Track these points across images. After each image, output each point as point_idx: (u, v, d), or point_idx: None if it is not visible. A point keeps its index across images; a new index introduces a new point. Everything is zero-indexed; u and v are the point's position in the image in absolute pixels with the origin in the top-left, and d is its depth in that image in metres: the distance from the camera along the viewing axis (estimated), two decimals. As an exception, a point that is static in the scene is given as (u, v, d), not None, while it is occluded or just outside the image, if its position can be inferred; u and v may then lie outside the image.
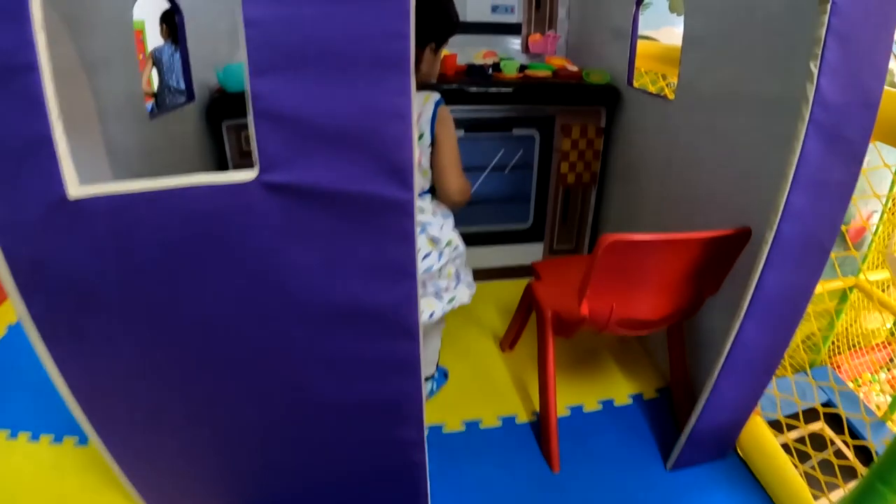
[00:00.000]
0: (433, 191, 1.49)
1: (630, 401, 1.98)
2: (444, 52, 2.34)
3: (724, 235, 1.36)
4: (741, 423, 1.68)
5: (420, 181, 1.41)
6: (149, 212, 0.93)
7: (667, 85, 2.57)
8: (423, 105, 1.38)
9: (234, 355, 1.11)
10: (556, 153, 2.42)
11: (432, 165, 1.44)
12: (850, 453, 1.69)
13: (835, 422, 1.76)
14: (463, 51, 2.67)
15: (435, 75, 1.47)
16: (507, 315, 2.09)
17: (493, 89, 2.25)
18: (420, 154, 1.37)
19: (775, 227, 1.21)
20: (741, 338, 1.38)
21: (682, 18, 2.21)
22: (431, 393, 1.92)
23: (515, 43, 2.81)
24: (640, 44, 2.25)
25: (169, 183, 0.91)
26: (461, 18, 2.53)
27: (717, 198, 1.66)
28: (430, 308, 1.48)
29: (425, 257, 1.42)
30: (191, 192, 0.93)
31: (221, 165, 2.17)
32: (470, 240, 2.28)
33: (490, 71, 2.42)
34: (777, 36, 1.39)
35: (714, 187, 1.68)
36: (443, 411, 1.89)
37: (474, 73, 2.41)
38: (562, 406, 1.91)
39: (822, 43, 1.08)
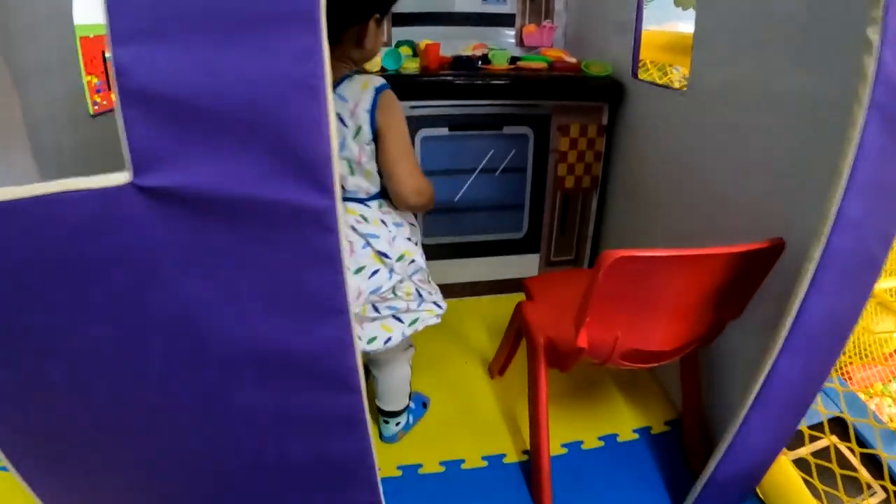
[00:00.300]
0: (382, 195, 1.29)
1: (636, 436, 1.74)
2: (427, 41, 2.14)
3: (754, 250, 1.10)
4: (767, 465, 1.46)
5: (361, 184, 1.23)
6: (7, 227, 0.68)
7: (676, 78, 2.32)
8: (360, 93, 1.16)
9: (136, 409, 0.86)
10: (552, 154, 2.18)
11: (379, 163, 1.23)
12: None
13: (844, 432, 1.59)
14: (451, 44, 2.43)
15: (377, 52, 1.25)
16: (498, 335, 1.85)
17: (481, 81, 2.02)
18: (360, 152, 1.18)
19: (824, 241, 0.96)
20: (776, 373, 1.15)
21: (688, 14, 2.17)
22: (407, 427, 1.70)
23: (509, 35, 2.57)
24: (646, 33, 2.04)
25: (29, 191, 0.66)
26: (448, 8, 2.38)
27: (742, 204, 1.42)
28: (386, 333, 1.31)
29: (372, 275, 1.24)
30: (58, 200, 0.67)
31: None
32: (457, 251, 2.24)
33: (479, 63, 2.17)
34: (814, 18, 1.16)
35: (737, 192, 1.44)
36: (419, 449, 1.66)
37: (461, 65, 2.17)
38: (556, 443, 1.67)
39: (884, 3, 0.82)
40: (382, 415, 1.61)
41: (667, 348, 1.28)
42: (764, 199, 1.33)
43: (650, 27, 2.19)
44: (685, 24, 3.34)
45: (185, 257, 0.72)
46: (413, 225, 1.39)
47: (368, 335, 1.29)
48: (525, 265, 2.36)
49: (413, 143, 1.99)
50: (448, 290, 2.23)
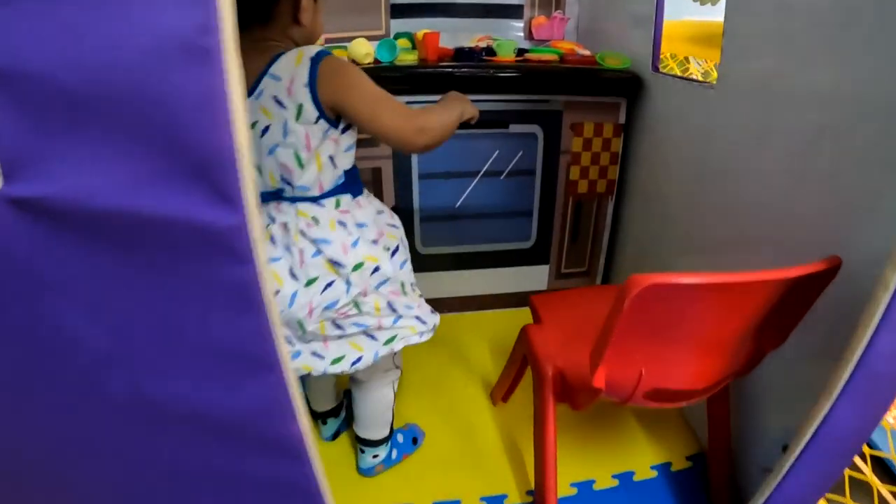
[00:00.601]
0: (343, 190, 1.12)
1: (654, 473, 1.54)
2: (425, 30, 1.95)
3: (807, 275, 0.89)
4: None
5: (311, 178, 1.05)
6: None
7: (702, 73, 2.12)
8: (294, 67, 0.98)
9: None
10: (564, 156, 1.98)
11: (363, 128, 1.06)
12: None
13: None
14: (454, 37, 2.26)
15: (320, 32, 1.12)
16: (503, 355, 1.66)
17: (484, 74, 1.83)
18: (307, 135, 1.00)
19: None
20: (833, 420, 0.95)
21: (706, 9, 2.03)
22: (389, 462, 1.50)
23: (517, 28, 2.38)
24: (666, 24, 1.84)
25: None
26: None
27: (779, 213, 1.22)
28: (355, 352, 1.13)
29: (326, 288, 1.06)
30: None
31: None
32: (459, 262, 2.08)
33: (482, 55, 1.97)
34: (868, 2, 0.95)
35: (774, 199, 1.24)
36: (408, 486, 1.47)
37: (463, 56, 1.98)
38: (565, 482, 1.47)
39: None
40: (359, 442, 1.45)
41: (698, 387, 1.08)
42: (808, 208, 1.14)
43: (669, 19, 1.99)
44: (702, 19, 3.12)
45: (69, 290, 0.52)
46: (393, 226, 1.22)
47: (333, 354, 1.12)
48: (533, 277, 2.16)
49: None
50: (448, 304, 2.12)
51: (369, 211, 1.15)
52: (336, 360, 1.12)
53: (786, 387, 1.22)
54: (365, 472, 1.47)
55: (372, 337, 1.15)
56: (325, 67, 0.99)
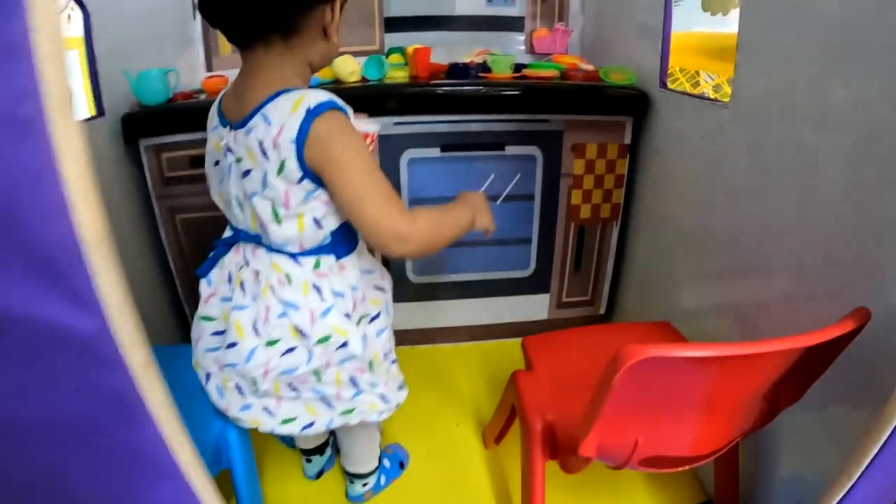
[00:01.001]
0: (327, 250, 0.99)
1: (659, 525, 1.39)
2: (416, 46, 1.85)
3: (831, 340, 0.76)
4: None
5: (290, 234, 0.93)
6: None
7: (709, 88, 1.99)
8: (288, 115, 0.85)
9: None
10: (565, 179, 1.85)
11: (339, 208, 0.93)
12: None
13: None
14: (452, 51, 2.17)
15: (337, 50, 0.98)
16: (498, 389, 1.52)
17: (478, 92, 1.73)
18: (286, 193, 0.89)
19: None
20: (859, 489, 0.81)
21: (716, 20, 1.93)
22: (377, 488, 1.45)
23: (518, 41, 2.28)
24: (676, 36, 1.72)
25: None
26: (448, 11, 2.07)
27: (800, 242, 1.10)
28: (309, 416, 1.07)
29: (287, 353, 0.97)
30: None
31: (142, 194, 1.78)
32: (453, 291, 1.97)
33: (478, 71, 1.86)
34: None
35: (795, 227, 1.11)
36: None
37: (457, 73, 1.87)
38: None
39: None
40: (346, 474, 1.42)
41: (702, 452, 0.95)
42: (827, 235, 1.01)
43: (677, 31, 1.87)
44: (713, 30, 3.00)
45: None
46: (380, 289, 1.12)
47: (285, 414, 1.05)
48: (533, 307, 2.03)
49: (396, 168, 1.75)
50: (442, 334, 2.05)
51: (352, 276, 1.02)
52: (287, 421, 1.05)
53: (800, 436, 1.11)
54: (355, 500, 1.43)
55: (328, 404, 1.08)
56: (321, 127, 0.85)
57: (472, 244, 1.91)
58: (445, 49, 2.17)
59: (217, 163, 0.97)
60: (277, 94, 0.87)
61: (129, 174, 1.76)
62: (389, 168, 1.79)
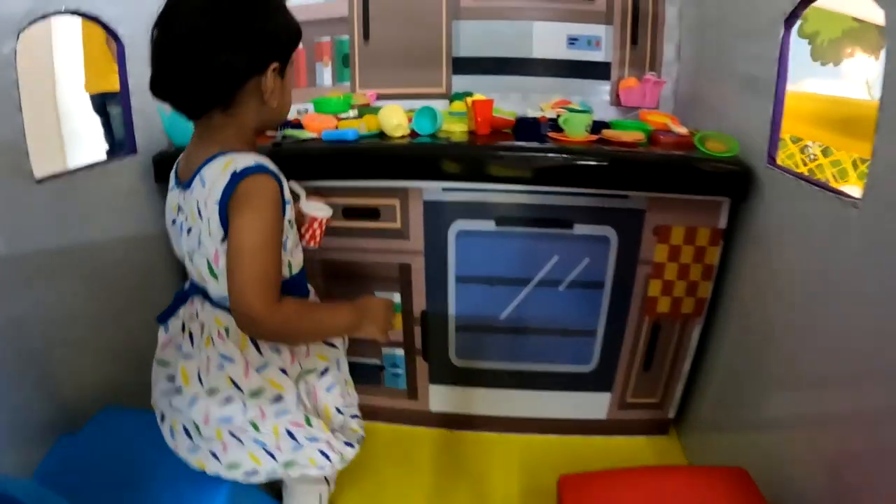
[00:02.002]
0: None
1: None
2: (478, 96, 1.62)
3: None
4: None
5: (225, 290, 0.94)
6: None
7: (837, 172, 1.65)
8: (218, 175, 0.93)
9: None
10: (642, 266, 1.57)
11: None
12: None
13: None
14: (527, 98, 1.96)
15: (288, 110, 1.07)
16: (536, 492, 1.39)
17: (544, 157, 1.47)
18: (216, 254, 0.96)
19: None
20: None
21: (827, 70, 1.85)
22: None
23: (603, 91, 2.01)
24: (789, 96, 1.42)
25: None
26: (525, 53, 1.97)
27: None
28: (252, 463, 1.07)
29: (225, 402, 1.02)
30: None
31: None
32: (499, 380, 1.75)
33: (549, 129, 1.61)
34: None
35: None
36: None
37: (524, 130, 1.64)
38: None
39: None
40: None
41: None
42: None
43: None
44: (824, 82, 2.65)
45: None
46: (330, 345, 1.18)
47: (230, 459, 1.06)
48: (590, 405, 1.76)
49: (443, 241, 1.54)
50: (482, 422, 1.82)
51: None
52: (232, 466, 1.06)
53: None
54: None
55: (271, 455, 1.08)
56: (243, 189, 0.91)
57: (526, 332, 1.66)
58: (520, 96, 1.97)
59: (174, 221, 1.03)
60: (214, 157, 0.94)
61: (162, 210, 1.61)
62: (435, 240, 1.57)
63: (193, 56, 0.90)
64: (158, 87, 0.94)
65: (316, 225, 1.17)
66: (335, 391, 1.18)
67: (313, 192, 1.26)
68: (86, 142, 3.00)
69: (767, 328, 1.36)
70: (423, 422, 1.82)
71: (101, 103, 3.15)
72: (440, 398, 1.79)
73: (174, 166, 1.06)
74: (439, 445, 1.77)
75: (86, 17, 1.43)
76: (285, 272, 1.04)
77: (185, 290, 1.09)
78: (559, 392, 1.74)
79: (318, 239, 1.19)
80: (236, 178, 0.91)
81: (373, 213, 1.56)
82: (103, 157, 1.57)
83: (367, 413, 1.80)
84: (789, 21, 1.31)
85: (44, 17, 1.28)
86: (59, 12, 1.33)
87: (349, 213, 1.57)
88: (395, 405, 1.82)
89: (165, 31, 0.92)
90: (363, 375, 1.76)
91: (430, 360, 1.73)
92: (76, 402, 1.36)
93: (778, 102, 1.37)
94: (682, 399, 1.75)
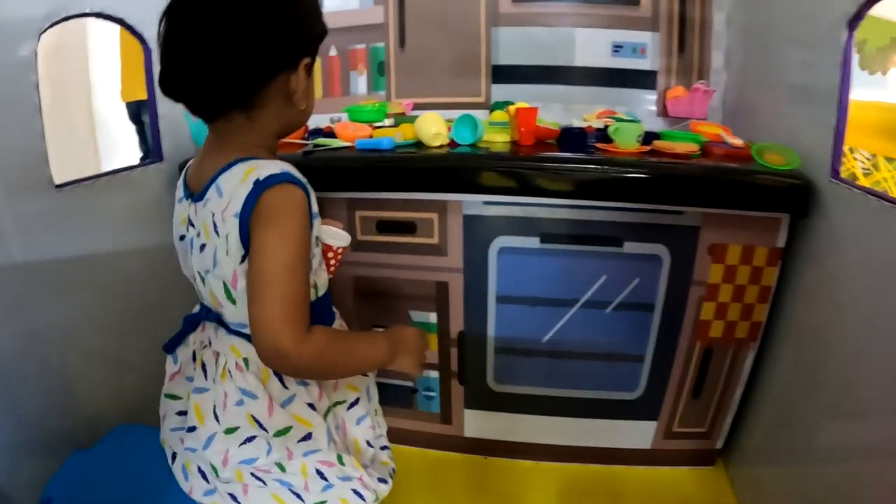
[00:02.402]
0: None
1: None
2: (520, 104, 1.55)
3: None
4: None
5: (245, 315, 0.84)
6: None
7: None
8: (238, 185, 0.81)
9: None
10: (695, 287, 1.47)
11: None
12: None
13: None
14: (569, 109, 1.88)
15: (311, 111, 0.95)
16: None
17: (592, 170, 1.38)
18: (233, 274, 0.85)
19: None
20: None
21: (876, 79, 1.75)
22: None
23: (649, 101, 1.93)
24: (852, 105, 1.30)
25: None
26: (567, 61, 1.91)
27: None
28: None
29: (246, 442, 0.90)
30: None
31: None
32: (540, 406, 1.67)
33: (595, 140, 1.54)
34: None
35: None
36: None
37: (569, 140, 1.55)
38: None
39: None
40: None
41: None
42: None
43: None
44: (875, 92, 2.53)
45: None
46: (364, 374, 1.08)
47: (252, 502, 0.94)
48: (634, 435, 1.66)
49: (484, 258, 1.46)
50: (520, 449, 1.73)
51: None
52: None
53: None
54: None
55: (297, 496, 0.96)
56: (267, 201, 0.80)
57: (570, 356, 1.57)
58: (562, 106, 1.89)
59: (182, 237, 0.94)
60: (233, 164, 0.84)
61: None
62: (475, 257, 1.49)
63: (211, 48, 0.80)
64: (169, 85, 0.84)
65: (331, 254, 1.02)
66: (365, 423, 1.08)
67: (327, 214, 1.16)
68: (120, 149, 2.99)
69: (826, 354, 1.27)
70: (457, 447, 1.75)
71: (136, 111, 3.16)
72: (475, 423, 1.71)
73: (182, 175, 0.96)
74: (473, 472, 1.70)
75: (110, 19, 1.40)
76: (311, 294, 0.93)
77: (195, 314, 0.99)
78: (602, 420, 1.64)
79: (331, 270, 1.05)
80: (260, 186, 0.80)
81: (409, 228, 1.49)
82: (126, 163, 1.53)
83: (398, 437, 1.74)
84: (853, 23, 1.22)
85: (66, 18, 1.25)
86: (82, 14, 1.30)
87: (383, 227, 1.50)
88: (427, 429, 1.74)
89: (176, 18, 0.82)
90: (394, 398, 1.70)
91: (466, 383, 1.66)
92: (92, 416, 1.32)
93: (841, 111, 1.27)
94: (731, 429, 1.64)
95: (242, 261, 0.83)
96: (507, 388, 1.64)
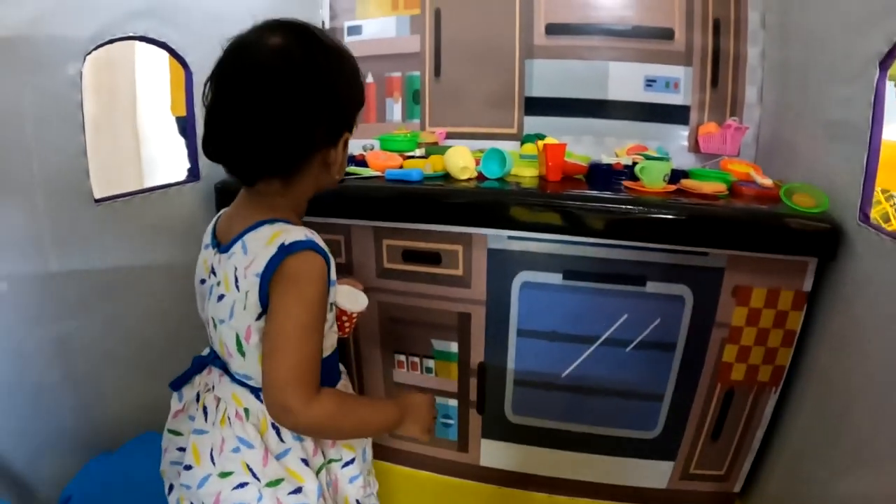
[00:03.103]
0: None
1: None
2: (550, 139, 1.57)
3: None
4: None
5: (252, 369, 0.92)
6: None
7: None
8: (263, 246, 0.86)
9: None
10: (718, 329, 1.46)
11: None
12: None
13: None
14: (601, 143, 1.90)
15: (337, 180, 0.99)
16: None
17: (617, 209, 1.38)
18: (248, 329, 0.89)
19: None
20: None
21: None
22: None
23: (681, 136, 1.92)
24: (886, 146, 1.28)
25: None
26: (600, 94, 1.92)
27: None
28: None
29: (238, 487, 0.92)
30: None
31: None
32: (557, 440, 1.66)
33: (623, 177, 1.55)
34: None
35: None
36: None
37: (597, 177, 1.57)
38: None
39: None
40: None
41: None
42: None
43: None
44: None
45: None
46: (361, 443, 1.07)
47: None
48: (650, 474, 1.64)
49: (507, 292, 1.47)
50: (535, 482, 1.72)
51: None
52: None
53: None
54: None
55: None
56: (291, 265, 0.85)
57: (588, 392, 1.57)
58: (594, 139, 1.91)
59: (203, 281, 0.98)
60: (261, 224, 0.88)
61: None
62: (498, 291, 1.50)
63: (258, 122, 0.83)
64: (212, 150, 0.88)
65: (345, 318, 1.04)
66: (358, 482, 1.08)
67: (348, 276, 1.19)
68: (164, 166, 3.07)
69: (849, 401, 1.25)
70: (473, 476, 1.75)
71: (184, 126, 3.21)
72: (492, 453, 1.71)
73: (213, 222, 1.00)
74: (485, 501, 1.71)
75: (153, 42, 1.46)
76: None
77: (203, 356, 1.03)
78: (618, 458, 1.63)
79: (346, 331, 1.07)
80: (284, 251, 0.84)
81: (434, 259, 1.51)
82: (163, 181, 1.59)
83: (415, 462, 1.77)
84: (885, 62, 1.20)
85: (110, 41, 1.32)
86: (126, 37, 1.37)
87: (409, 256, 1.53)
88: (444, 456, 1.75)
89: (224, 86, 0.85)
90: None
91: (484, 413, 1.66)
92: (118, 422, 1.38)
93: (873, 152, 1.25)
94: (749, 473, 1.61)
95: (258, 318, 0.87)
96: (525, 421, 1.64)
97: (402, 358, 1.67)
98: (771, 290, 1.41)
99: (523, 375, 1.58)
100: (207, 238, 0.99)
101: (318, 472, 0.98)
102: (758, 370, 1.48)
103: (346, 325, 1.05)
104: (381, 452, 1.80)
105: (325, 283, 0.88)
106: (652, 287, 1.45)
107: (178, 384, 1.04)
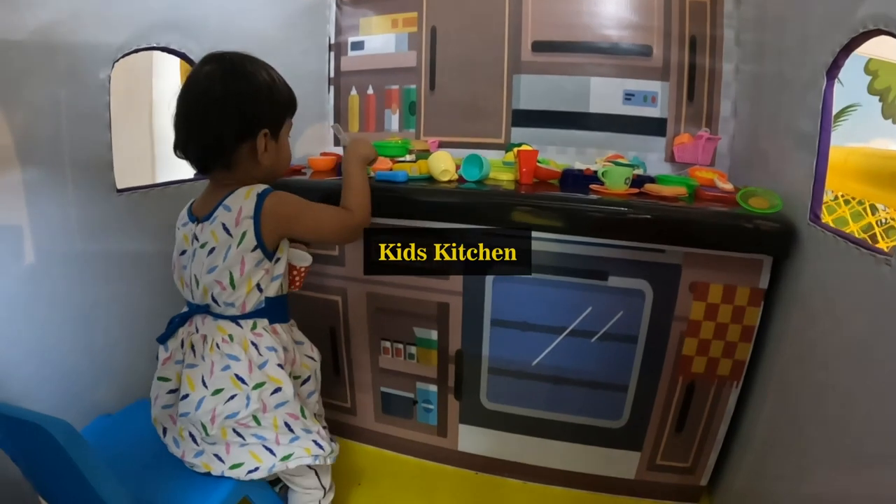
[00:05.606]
0: (262, 314, 1.24)
1: None
2: (524, 146, 1.69)
3: None
4: None
5: (238, 299, 1.19)
6: None
7: (885, 230, 1.60)
8: (243, 200, 1.17)
9: None
10: (677, 323, 1.54)
11: (311, 244, 1.42)
12: None
13: None
14: (582, 152, 2.03)
15: (286, 164, 1.32)
16: None
17: (581, 209, 1.49)
18: (242, 261, 1.17)
19: None
20: None
21: None
22: None
23: (659, 146, 2.03)
24: (844, 152, 1.38)
25: None
26: (582, 107, 2.03)
27: None
28: (253, 461, 1.22)
29: (229, 399, 1.18)
30: None
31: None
32: (528, 427, 1.74)
33: (593, 181, 1.65)
34: None
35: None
36: None
37: (568, 182, 1.68)
38: None
39: None
40: None
41: None
42: None
43: (849, 143, 1.51)
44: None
45: None
46: (310, 358, 1.37)
47: (233, 460, 1.21)
48: (619, 464, 1.71)
49: (481, 286, 1.61)
50: (508, 468, 1.80)
51: (284, 338, 1.26)
52: (235, 466, 1.20)
53: None
54: None
55: (270, 451, 1.23)
56: (269, 203, 1.16)
57: (557, 381, 1.66)
58: (576, 149, 2.04)
59: (184, 252, 1.22)
60: (234, 191, 1.17)
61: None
62: (473, 285, 1.62)
63: (197, 128, 1.15)
64: (178, 150, 1.19)
65: (295, 272, 1.33)
66: (313, 398, 1.37)
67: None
68: (175, 164, 3.22)
69: (810, 396, 1.30)
70: (451, 461, 1.84)
71: None
72: (469, 439, 1.80)
73: (186, 208, 1.26)
74: (463, 486, 1.77)
75: (174, 53, 1.60)
76: (277, 291, 1.24)
77: (183, 312, 1.24)
78: (588, 446, 1.70)
79: (297, 284, 1.35)
80: (261, 197, 1.15)
81: (417, 252, 1.61)
82: (179, 177, 1.71)
83: (398, 446, 1.86)
84: (831, 72, 1.29)
85: (136, 50, 1.48)
86: (150, 48, 1.52)
87: (394, 249, 1.63)
88: (424, 440, 1.84)
89: (180, 106, 1.16)
90: (398, 407, 1.82)
91: (461, 399, 1.75)
92: (125, 388, 1.51)
93: (821, 157, 1.34)
94: (716, 466, 1.68)
95: (254, 249, 1.15)
96: (499, 407, 1.72)
97: (388, 344, 1.77)
98: (727, 287, 1.49)
99: (497, 363, 1.68)
100: (184, 219, 1.24)
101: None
102: (718, 363, 1.56)
103: (297, 279, 1.34)
104: (366, 436, 1.91)
105: (292, 196, 1.21)
106: (614, 281, 1.54)
107: (164, 338, 1.25)
